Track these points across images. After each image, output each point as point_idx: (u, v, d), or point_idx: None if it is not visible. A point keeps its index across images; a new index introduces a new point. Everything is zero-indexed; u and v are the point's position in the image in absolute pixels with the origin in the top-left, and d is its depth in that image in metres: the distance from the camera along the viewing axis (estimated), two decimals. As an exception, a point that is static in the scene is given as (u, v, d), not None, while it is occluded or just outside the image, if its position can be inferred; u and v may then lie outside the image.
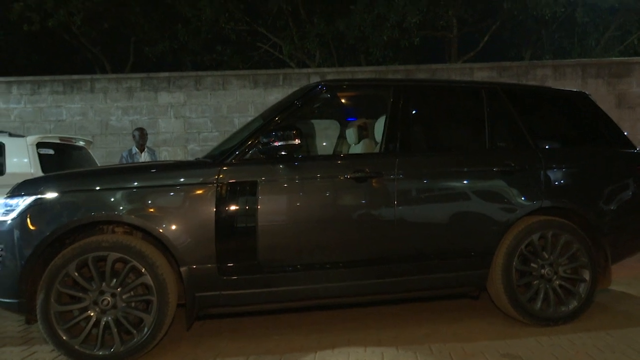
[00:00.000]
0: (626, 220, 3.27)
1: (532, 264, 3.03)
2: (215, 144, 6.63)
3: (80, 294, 2.56)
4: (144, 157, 6.16)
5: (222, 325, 3.24)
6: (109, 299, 2.56)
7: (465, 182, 2.99)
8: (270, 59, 13.45)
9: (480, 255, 2.97)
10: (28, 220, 2.56)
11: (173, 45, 12.52)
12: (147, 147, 6.31)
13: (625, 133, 3.55)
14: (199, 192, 2.66)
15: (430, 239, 2.91)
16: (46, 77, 9.05)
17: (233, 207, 2.66)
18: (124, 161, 6.09)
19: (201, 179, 2.68)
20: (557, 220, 3.07)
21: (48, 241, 2.55)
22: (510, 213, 2.99)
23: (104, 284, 2.57)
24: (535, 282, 3.02)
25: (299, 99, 3.00)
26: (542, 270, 3.02)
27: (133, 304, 2.62)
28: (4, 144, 5.29)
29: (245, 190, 2.69)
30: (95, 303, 2.56)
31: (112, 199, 2.59)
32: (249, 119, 6.61)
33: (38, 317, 2.49)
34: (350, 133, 3.80)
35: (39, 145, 5.42)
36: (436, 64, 9.70)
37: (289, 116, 2.92)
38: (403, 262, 2.86)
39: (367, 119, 3.89)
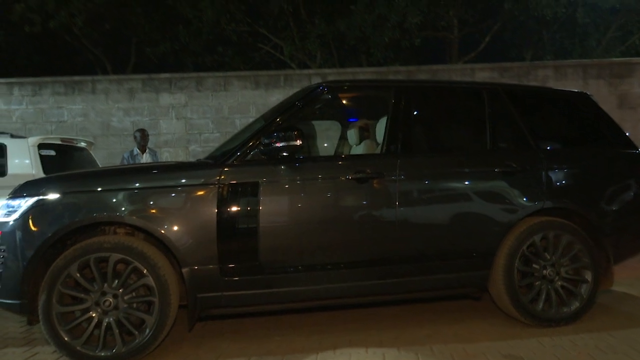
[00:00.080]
0: (628, 221, 3.27)
1: (534, 265, 3.03)
2: (216, 145, 6.65)
3: (82, 295, 2.56)
4: (146, 158, 6.16)
5: (224, 326, 3.24)
6: (110, 300, 2.56)
7: (466, 182, 2.98)
8: (271, 60, 13.46)
9: (481, 256, 2.97)
10: (30, 221, 2.56)
11: (174, 46, 12.54)
12: (149, 148, 6.30)
13: (627, 134, 3.54)
14: (201, 193, 2.66)
15: (432, 240, 2.91)
16: (47, 78, 9.07)
17: (235, 208, 2.66)
18: (126, 162, 6.07)
19: (203, 180, 2.68)
20: (559, 221, 3.07)
21: (50, 242, 2.55)
22: (511, 214, 2.99)
23: (105, 285, 2.57)
24: (537, 282, 3.02)
25: (300, 100, 3.00)
26: (544, 271, 3.02)
27: (135, 305, 2.62)
28: (5, 145, 5.30)
29: (246, 191, 2.69)
30: (97, 304, 2.56)
31: (114, 200, 2.59)
32: (250, 120, 6.61)
33: (40, 318, 2.50)
34: (352, 134, 3.81)
35: (41, 146, 5.43)
36: (437, 64, 9.72)
37: (290, 117, 2.92)
38: (404, 263, 2.86)
39: (369, 119, 3.90)
